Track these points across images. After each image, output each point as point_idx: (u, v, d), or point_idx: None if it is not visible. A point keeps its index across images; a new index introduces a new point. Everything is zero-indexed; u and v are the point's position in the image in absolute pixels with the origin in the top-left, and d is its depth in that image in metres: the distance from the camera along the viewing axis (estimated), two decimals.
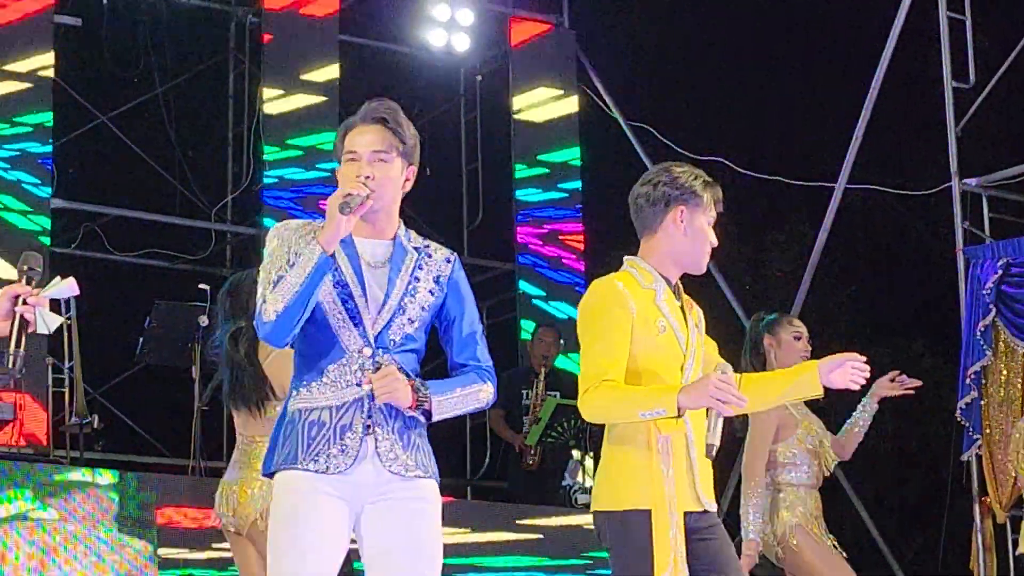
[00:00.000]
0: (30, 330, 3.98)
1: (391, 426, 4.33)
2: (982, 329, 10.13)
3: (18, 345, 3.95)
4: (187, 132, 12.42)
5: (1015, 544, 8.79)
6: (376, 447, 4.31)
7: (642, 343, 4.80)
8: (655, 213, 4.93)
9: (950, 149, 10.80)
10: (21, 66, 10.88)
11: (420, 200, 10.95)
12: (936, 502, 12.14)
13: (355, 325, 4.32)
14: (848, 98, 11.95)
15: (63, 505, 8.01)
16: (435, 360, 4.64)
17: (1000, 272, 10.15)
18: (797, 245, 14.12)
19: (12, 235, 10.57)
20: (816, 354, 5.73)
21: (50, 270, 8.23)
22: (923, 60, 12.09)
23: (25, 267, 4.03)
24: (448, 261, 4.50)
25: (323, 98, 11.93)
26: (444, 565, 4.35)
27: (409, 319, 4.38)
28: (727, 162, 11.93)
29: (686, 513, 4.79)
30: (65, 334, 9.46)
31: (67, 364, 9.64)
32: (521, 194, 12.80)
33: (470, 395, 4.45)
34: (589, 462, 10.27)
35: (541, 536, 9.36)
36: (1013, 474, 9.60)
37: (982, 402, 10.08)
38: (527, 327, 12.24)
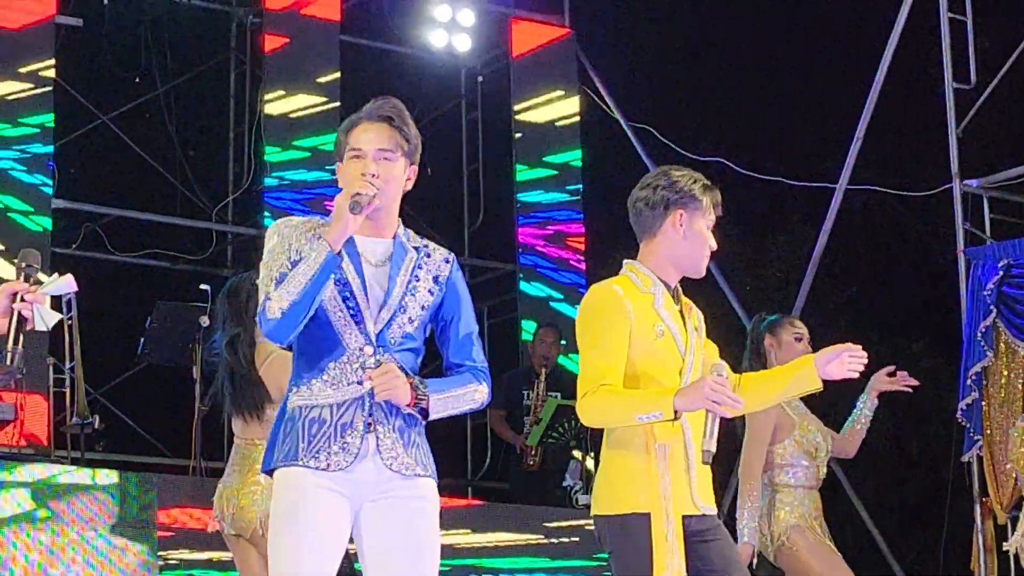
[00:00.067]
0: (28, 327, 3.98)
1: (392, 424, 4.34)
2: (983, 330, 10.13)
3: (16, 342, 3.96)
4: (188, 132, 12.42)
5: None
6: (377, 445, 4.31)
7: (640, 347, 4.81)
8: (654, 217, 4.93)
9: (951, 150, 10.80)
10: (23, 68, 10.88)
11: (421, 201, 10.98)
12: (937, 503, 12.13)
13: (356, 323, 4.32)
14: (849, 99, 11.95)
15: (64, 506, 8.01)
16: (435, 361, 4.65)
17: (1001, 273, 10.14)
18: (798, 246, 14.11)
19: (18, 234, 10.58)
20: None
21: (52, 271, 8.23)
22: (924, 61, 12.10)
23: (23, 264, 4.04)
24: (447, 261, 4.51)
25: (324, 99, 11.93)
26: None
27: (409, 318, 4.39)
28: (728, 163, 11.94)
29: (684, 517, 4.79)
30: (66, 334, 9.46)
31: (68, 364, 9.64)
32: (522, 195, 12.81)
33: (466, 395, 4.47)
34: (590, 462, 10.27)
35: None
36: (1014, 475, 9.60)
37: (983, 403, 10.08)
38: (528, 327, 12.23)
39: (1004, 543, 8.46)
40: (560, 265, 12.74)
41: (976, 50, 10.91)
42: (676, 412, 4.66)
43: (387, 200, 4.38)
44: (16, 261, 4.06)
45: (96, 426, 9.48)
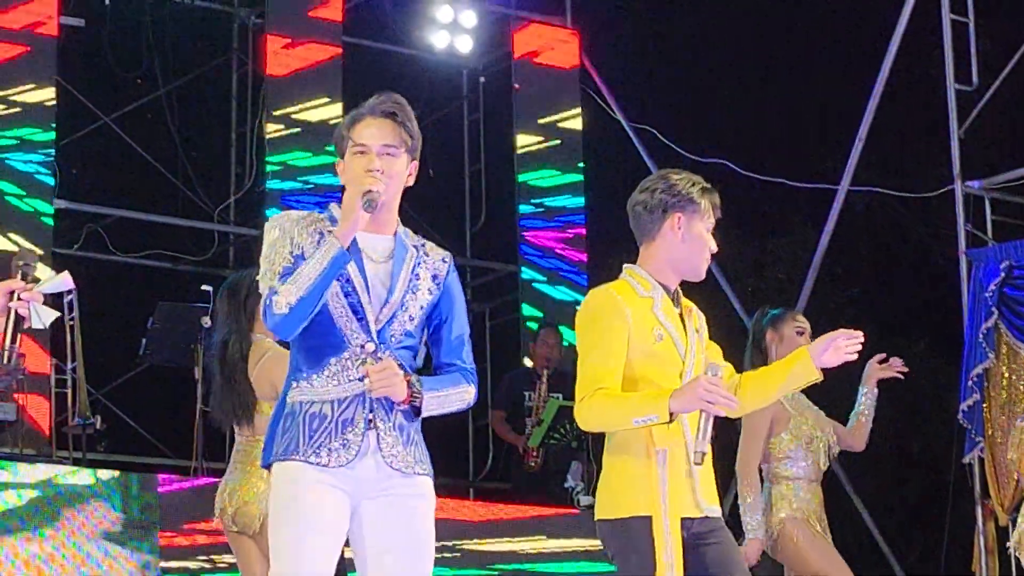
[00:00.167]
0: (26, 325, 3.98)
1: (392, 421, 4.34)
2: (984, 331, 10.13)
3: (13, 341, 3.96)
4: (190, 133, 12.42)
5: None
6: (378, 442, 4.32)
7: (639, 351, 4.81)
8: (652, 220, 4.93)
9: (953, 151, 10.80)
10: (23, 67, 10.90)
11: (423, 201, 11.00)
12: (938, 504, 12.12)
13: (358, 320, 4.33)
14: (851, 100, 11.96)
15: (65, 506, 8.01)
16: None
17: (1002, 275, 10.15)
18: (799, 247, 14.11)
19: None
20: None
21: (53, 271, 8.23)
22: (926, 62, 12.11)
23: (20, 262, 4.04)
24: (444, 261, 4.52)
25: (326, 99, 11.93)
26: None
27: (410, 316, 4.40)
28: (730, 164, 11.95)
29: (685, 519, 4.79)
30: (68, 335, 9.47)
31: (70, 365, 9.65)
32: (523, 196, 12.80)
33: (457, 395, 4.48)
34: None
35: None
36: (1015, 476, 9.60)
37: (984, 405, 10.08)
38: (530, 324, 12.24)
39: (1007, 543, 8.45)
40: (562, 266, 12.73)
41: (978, 51, 10.92)
42: (671, 414, 4.66)
43: (389, 196, 4.38)
44: (13, 259, 4.06)
45: (98, 426, 9.49)
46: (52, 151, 10.93)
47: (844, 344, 4.87)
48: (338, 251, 4.23)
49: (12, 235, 10.60)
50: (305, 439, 4.28)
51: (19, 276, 4.01)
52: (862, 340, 4.90)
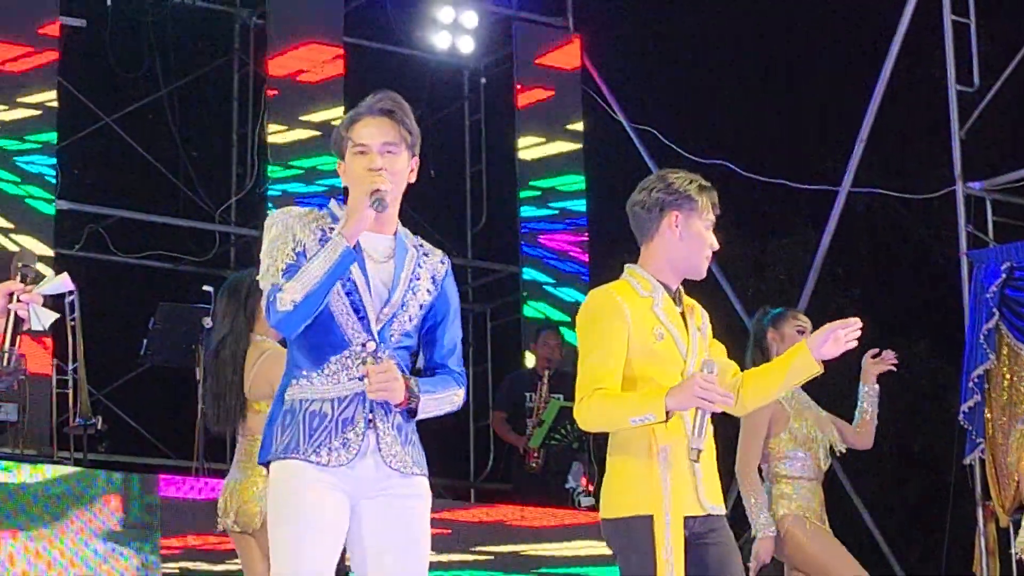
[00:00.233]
0: (25, 327, 3.98)
1: (391, 421, 4.34)
2: (985, 333, 10.13)
3: (13, 343, 3.95)
4: (191, 133, 12.43)
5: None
6: (378, 442, 4.31)
7: (639, 351, 4.80)
8: (651, 220, 4.93)
9: (954, 153, 10.80)
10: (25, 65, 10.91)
11: (423, 202, 10.98)
12: (939, 505, 12.12)
13: (359, 319, 4.32)
14: (852, 102, 11.96)
15: (66, 507, 8.01)
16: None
17: (1004, 276, 10.14)
18: (801, 248, 14.11)
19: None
20: None
21: (54, 272, 8.24)
22: (927, 64, 12.11)
23: (20, 264, 4.03)
24: (442, 263, 4.53)
25: (326, 100, 11.93)
26: None
27: (409, 316, 4.40)
28: (731, 166, 11.95)
29: (687, 518, 4.78)
30: (69, 336, 9.47)
31: (71, 366, 9.65)
32: (525, 197, 12.80)
33: (448, 398, 4.48)
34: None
35: None
36: (1016, 478, 9.60)
37: (985, 406, 10.08)
38: (533, 320, 12.25)
39: (1011, 548, 8.45)
40: (563, 267, 12.73)
41: (979, 52, 10.92)
42: (668, 412, 4.66)
43: (393, 195, 4.38)
44: (12, 261, 4.05)
45: (99, 427, 9.49)
46: (53, 152, 10.94)
47: (843, 334, 4.87)
48: (344, 248, 4.23)
49: (13, 235, 10.60)
50: (305, 437, 4.28)
51: (19, 277, 4.01)
52: (860, 327, 4.89)
